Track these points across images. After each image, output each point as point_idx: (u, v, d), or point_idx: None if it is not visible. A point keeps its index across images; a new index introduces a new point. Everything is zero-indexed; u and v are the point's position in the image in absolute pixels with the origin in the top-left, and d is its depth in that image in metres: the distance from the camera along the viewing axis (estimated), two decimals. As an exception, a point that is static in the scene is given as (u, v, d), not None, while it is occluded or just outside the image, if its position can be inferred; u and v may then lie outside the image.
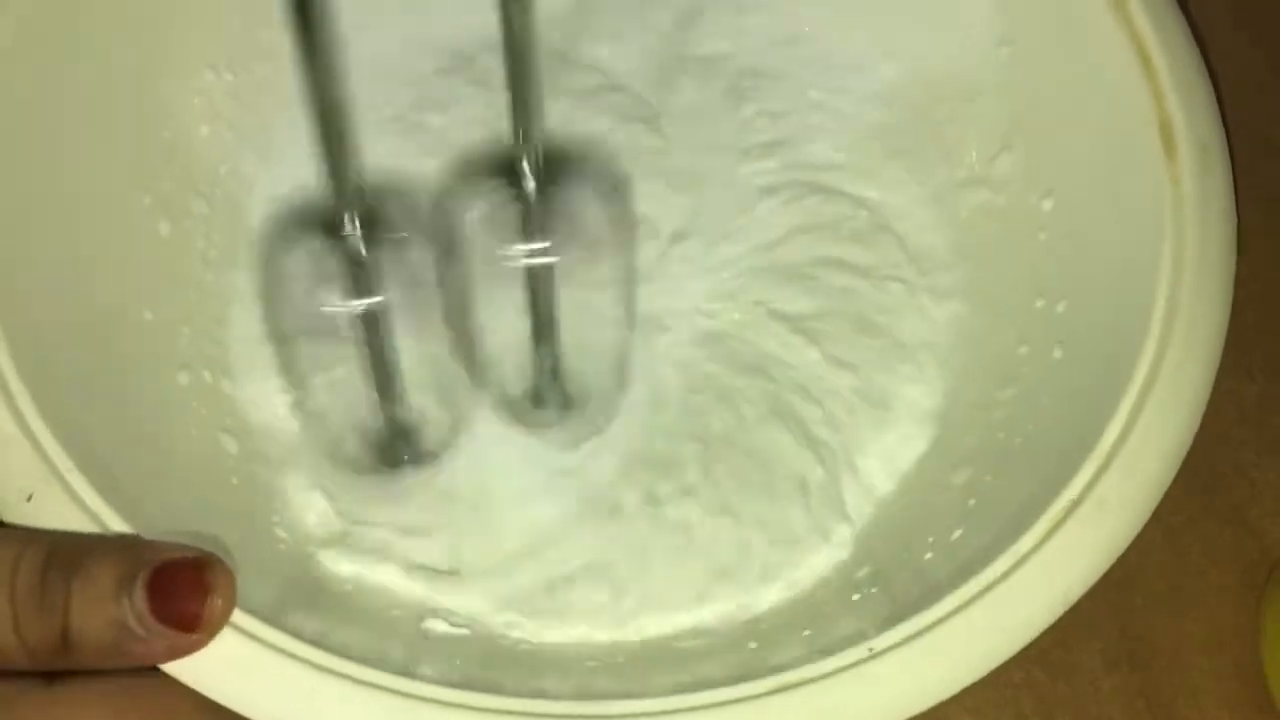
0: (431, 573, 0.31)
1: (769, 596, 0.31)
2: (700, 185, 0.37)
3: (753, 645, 0.29)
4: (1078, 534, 0.26)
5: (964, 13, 0.36)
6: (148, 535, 0.24)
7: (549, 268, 0.30)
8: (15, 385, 0.25)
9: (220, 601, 0.23)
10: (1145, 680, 0.33)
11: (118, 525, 0.24)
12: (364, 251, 0.27)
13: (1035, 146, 0.34)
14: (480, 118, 0.36)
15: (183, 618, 0.22)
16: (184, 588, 0.23)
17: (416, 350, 0.31)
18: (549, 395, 0.33)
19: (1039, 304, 0.33)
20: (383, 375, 0.30)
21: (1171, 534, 0.34)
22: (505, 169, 0.28)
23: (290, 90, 0.36)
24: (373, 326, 0.29)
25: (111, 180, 0.31)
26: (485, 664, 0.29)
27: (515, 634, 0.30)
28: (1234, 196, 0.30)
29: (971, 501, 0.30)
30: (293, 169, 0.36)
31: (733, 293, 0.36)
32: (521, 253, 0.29)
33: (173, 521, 0.25)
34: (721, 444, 0.33)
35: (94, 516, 0.24)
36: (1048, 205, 0.34)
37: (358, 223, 0.27)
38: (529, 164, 0.28)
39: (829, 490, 0.33)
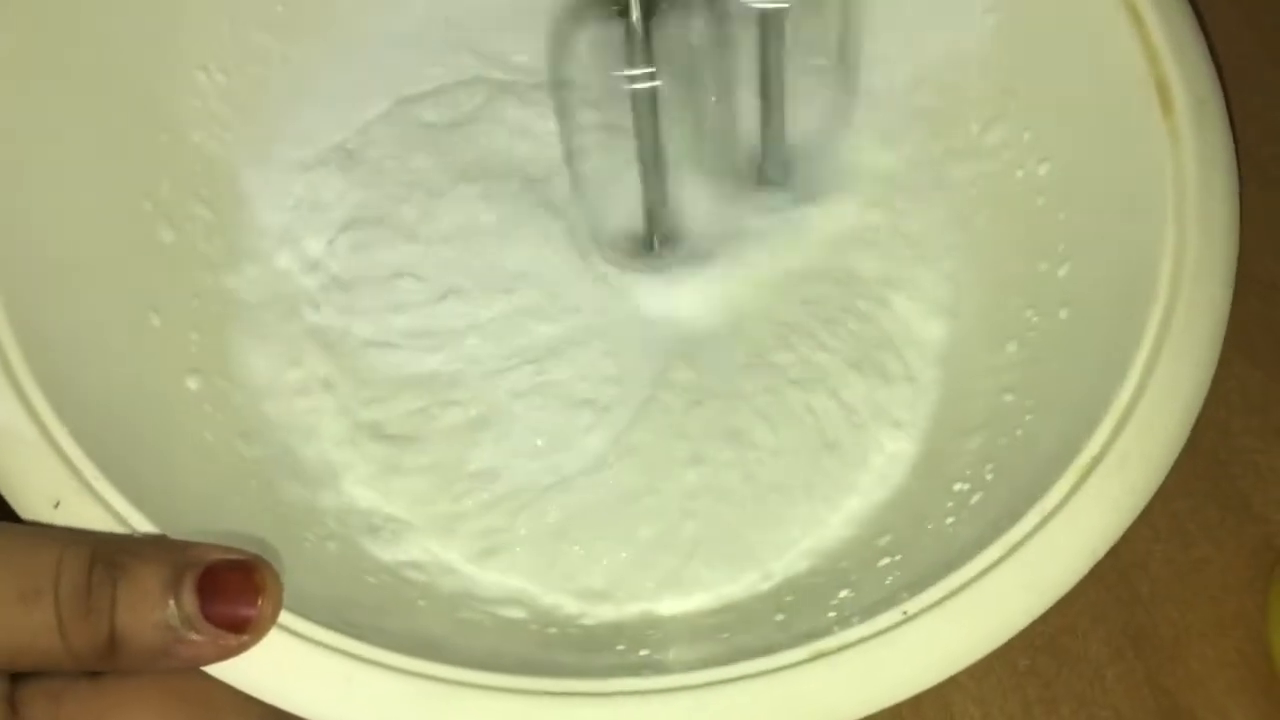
0: (458, 554, 0.31)
1: (791, 565, 0.32)
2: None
3: (780, 617, 0.29)
4: (1102, 489, 0.26)
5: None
6: (182, 538, 0.24)
7: (780, 20, 0.31)
8: (34, 394, 0.25)
9: (269, 604, 0.23)
10: (1150, 668, 0.33)
11: (147, 529, 0.24)
12: (644, 28, 0.29)
13: (1028, 112, 0.35)
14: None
15: (232, 620, 0.22)
16: (233, 590, 0.23)
17: (683, 134, 0.33)
18: (774, 169, 0.35)
19: (1042, 267, 0.33)
20: (649, 156, 0.31)
21: (1176, 521, 0.34)
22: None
23: (282, 90, 0.37)
24: (644, 106, 0.30)
25: (112, 188, 0.31)
26: (513, 647, 0.29)
27: (536, 617, 0.30)
28: (1234, 151, 0.30)
29: (989, 465, 0.30)
30: (288, 169, 0.37)
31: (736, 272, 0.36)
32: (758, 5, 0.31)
33: (198, 524, 0.25)
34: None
35: (122, 520, 0.24)
36: (1044, 170, 0.34)
37: (640, 3, 0.28)
38: None
39: (843, 454, 0.33)
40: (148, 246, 0.32)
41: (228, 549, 0.23)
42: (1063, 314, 0.32)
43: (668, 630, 0.30)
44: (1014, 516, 0.26)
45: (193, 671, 0.23)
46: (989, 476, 0.30)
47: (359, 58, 0.38)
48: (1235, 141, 0.30)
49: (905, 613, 0.25)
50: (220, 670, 0.23)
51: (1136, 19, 0.31)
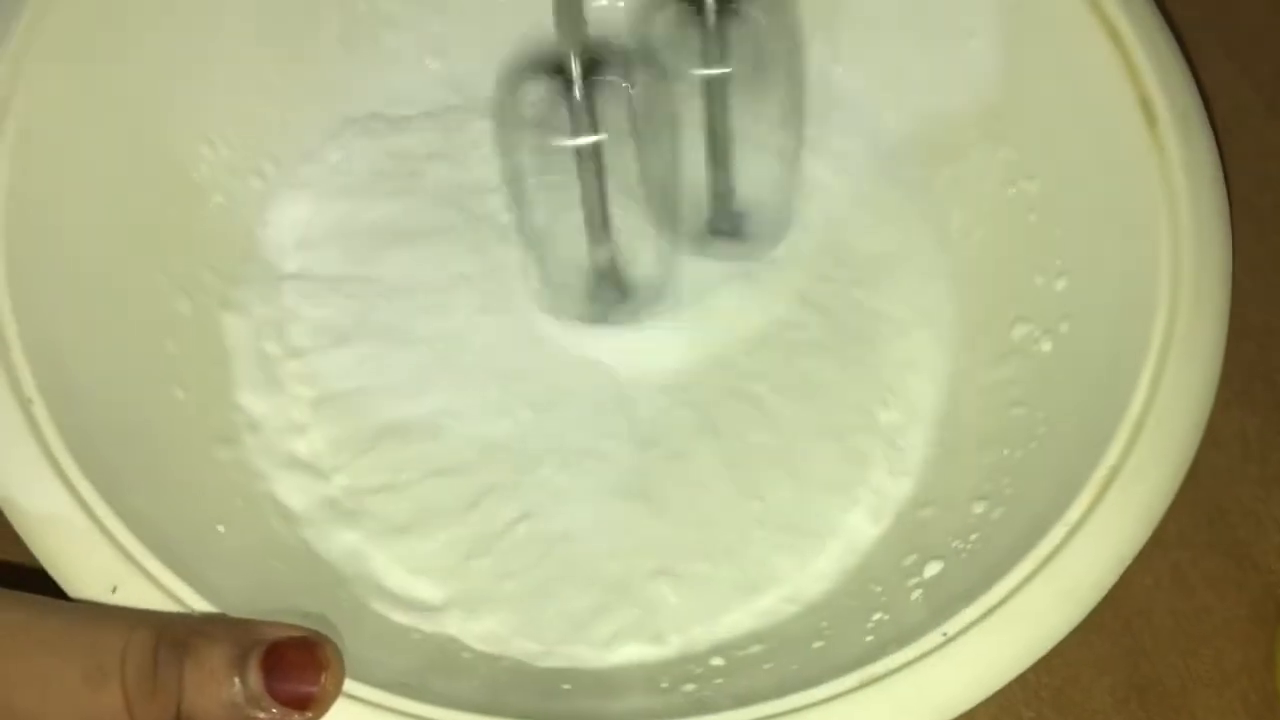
0: (480, 607, 0.32)
1: (814, 589, 0.32)
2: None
3: (818, 644, 0.30)
4: (1123, 498, 0.27)
5: (929, 10, 0.37)
6: (233, 615, 0.25)
7: (724, 85, 0.33)
8: (80, 482, 0.25)
9: (332, 680, 0.23)
10: (1154, 718, 0.33)
11: (204, 607, 0.25)
12: (582, 94, 0.30)
13: (1014, 132, 0.35)
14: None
15: (297, 697, 0.23)
16: (297, 667, 0.23)
17: (627, 190, 0.34)
18: (724, 223, 0.36)
19: (1038, 282, 0.34)
20: (595, 215, 0.33)
21: (1177, 570, 0.34)
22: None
23: (283, 157, 0.37)
24: (589, 164, 0.32)
25: (131, 268, 0.32)
26: (558, 696, 0.29)
27: (579, 663, 0.31)
28: (1220, 162, 0.31)
29: (1006, 480, 0.31)
30: (291, 234, 0.37)
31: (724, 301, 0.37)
32: (701, 72, 0.32)
33: (246, 597, 0.26)
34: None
35: (179, 601, 0.25)
36: (1034, 187, 0.35)
37: (579, 66, 0.30)
38: None
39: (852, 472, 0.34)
40: (167, 320, 0.33)
41: (290, 626, 0.24)
42: (1064, 327, 0.33)
43: (708, 665, 0.30)
44: (1040, 530, 0.27)
45: None
46: (1008, 491, 0.31)
47: (356, 123, 0.38)
48: (1229, 191, 0.31)
49: (945, 634, 0.26)
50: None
51: (1116, 38, 0.32)
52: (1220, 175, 0.31)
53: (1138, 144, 0.31)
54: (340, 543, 0.32)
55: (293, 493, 0.33)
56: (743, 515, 0.33)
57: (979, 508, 0.31)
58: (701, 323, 0.36)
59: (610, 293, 0.36)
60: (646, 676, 0.30)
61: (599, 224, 0.34)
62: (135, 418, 0.30)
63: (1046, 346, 0.33)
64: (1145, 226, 0.30)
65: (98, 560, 0.25)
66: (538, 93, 0.31)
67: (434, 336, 0.36)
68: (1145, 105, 0.31)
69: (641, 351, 0.36)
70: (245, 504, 0.31)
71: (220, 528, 0.30)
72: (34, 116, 0.30)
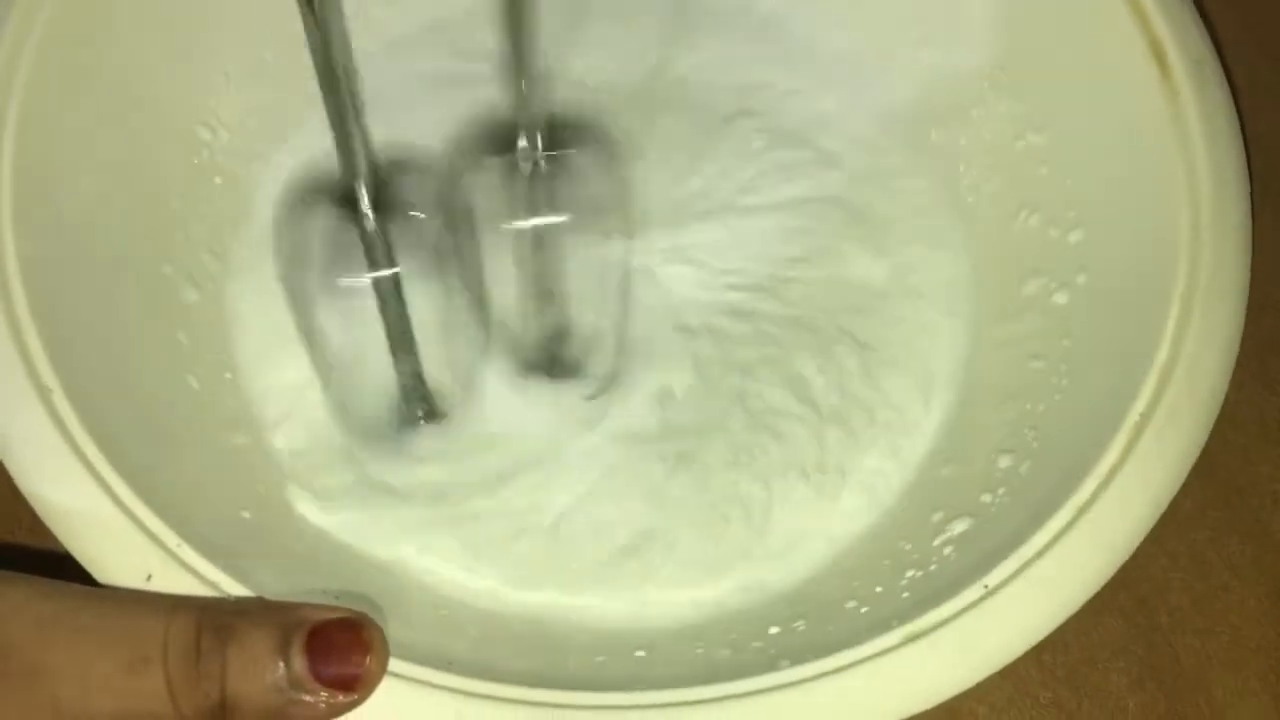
0: (509, 581, 0.32)
1: (840, 546, 0.32)
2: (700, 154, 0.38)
3: (851, 604, 0.30)
4: (1156, 444, 0.27)
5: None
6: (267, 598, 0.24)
7: (552, 233, 0.30)
8: (107, 472, 0.25)
9: (377, 661, 0.23)
10: (1171, 698, 0.33)
11: (240, 592, 0.24)
12: (374, 226, 0.28)
13: (1022, 84, 0.35)
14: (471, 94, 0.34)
15: (342, 679, 0.22)
16: (341, 649, 0.23)
17: (431, 317, 0.31)
18: (552, 359, 0.34)
19: (1052, 234, 0.34)
20: (398, 340, 0.31)
21: (1194, 550, 0.34)
22: (508, 140, 0.29)
23: (281, 138, 0.37)
24: (388, 295, 0.30)
25: (138, 261, 0.31)
26: (595, 665, 0.29)
27: (613, 632, 0.31)
28: (1235, 108, 0.31)
29: (1031, 433, 0.31)
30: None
31: (742, 259, 0.37)
32: (525, 220, 0.30)
33: (271, 578, 0.25)
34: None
35: (216, 587, 0.24)
36: (1044, 139, 0.35)
37: (369, 197, 0.28)
38: (530, 136, 0.28)
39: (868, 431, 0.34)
40: (174, 310, 0.32)
41: (333, 608, 0.23)
42: (1081, 279, 0.32)
43: (743, 630, 0.30)
44: (1073, 480, 0.27)
45: None
46: (1034, 444, 0.31)
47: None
48: (1249, 168, 0.30)
49: (986, 586, 0.26)
50: None
51: (1122, -15, 0.32)
52: (1236, 120, 0.31)
53: (1150, 91, 0.31)
54: (364, 524, 0.32)
55: (312, 476, 0.32)
56: (757, 477, 0.33)
57: (1005, 461, 0.31)
58: None
59: (419, 414, 0.33)
60: (681, 643, 0.30)
61: (403, 349, 0.31)
62: (151, 407, 0.29)
63: (1063, 299, 0.33)
64: (1161, 174, 0.30)
65: (131, 550, 0.24)
66: (329, 220, 0.28)
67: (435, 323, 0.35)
68: (1157, 52, 0.31)
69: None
70: (266, 490, 0.31)
71: (245, 514, 0.29)
72: (35, 104, 0.29)
